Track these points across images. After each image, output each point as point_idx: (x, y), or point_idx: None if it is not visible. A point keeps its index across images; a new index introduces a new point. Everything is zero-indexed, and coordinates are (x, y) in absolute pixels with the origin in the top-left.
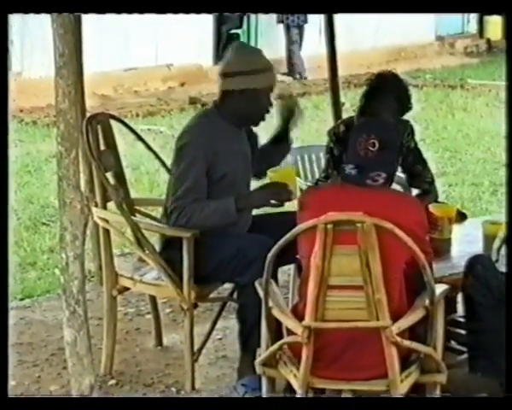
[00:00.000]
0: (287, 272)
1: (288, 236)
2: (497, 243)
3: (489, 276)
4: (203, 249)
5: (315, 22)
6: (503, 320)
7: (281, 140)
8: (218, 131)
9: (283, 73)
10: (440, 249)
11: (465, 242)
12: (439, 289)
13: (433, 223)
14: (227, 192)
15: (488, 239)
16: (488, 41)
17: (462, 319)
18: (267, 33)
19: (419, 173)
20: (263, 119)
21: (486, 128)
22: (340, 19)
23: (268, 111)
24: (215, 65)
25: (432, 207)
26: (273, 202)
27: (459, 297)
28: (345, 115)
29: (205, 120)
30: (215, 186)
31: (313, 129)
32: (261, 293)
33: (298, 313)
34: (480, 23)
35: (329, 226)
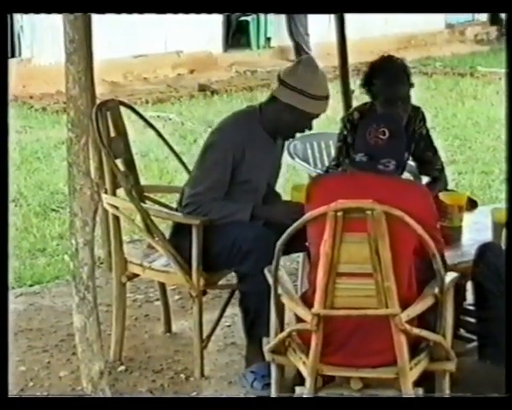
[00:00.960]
0: (295, 259)
1: (297, 223)
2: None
3: (499, 264)
4: (210, 237)
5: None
6: None
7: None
8: (253, 136)
9: (291, 61)
10: (450, 237)
11: (475, 230)
12: (449, 277)
13: (444, 211)
14: (246, 197)
15: (497, 226)
16: (499, 29)
17: (471, 307)
18: (276, 21)
19: (430, 160)
20: (294, 137)
21: (496, 116)
22: None
23: (304, 132)
24: (225, 52)
25: (442, 195)
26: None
27: (469, 285)
28: (355, 103)
29: (243, 121)
30: (236, 188)
31: (323, 116)
32: (270, 280)
33: (307, 301)
34: None
35: (339, 214)
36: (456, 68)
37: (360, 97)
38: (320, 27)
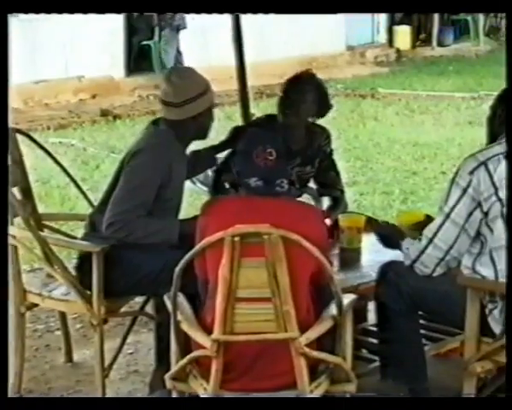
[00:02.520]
0: None
1: (194, 249)
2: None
3: (401, 283)
4: (121, 263)
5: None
6: (415, 328)
7: (214, 154)
8: (174, 154)
9: None
10: (350, 259)
11: (374, 251)
12: (347, 299)
13: (343, 233)
14: (169, 215)
15: (404, 228)
16: (397, 50)
17: (373, 328)
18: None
19: (332, 180)
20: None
21: (397, 137)
22: (250, 28)
23: (206, 134)
24: (127, 76)
25: (341, 217)
26: None
27: (371, 306)
28: None
29: (164, 142)
30: (159, 206)
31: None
32: (170, 307)
33: (207, 327)
34: (390, 33)
35: (237, 239)
36: (357, 90)
37: None
38: (222, 50)
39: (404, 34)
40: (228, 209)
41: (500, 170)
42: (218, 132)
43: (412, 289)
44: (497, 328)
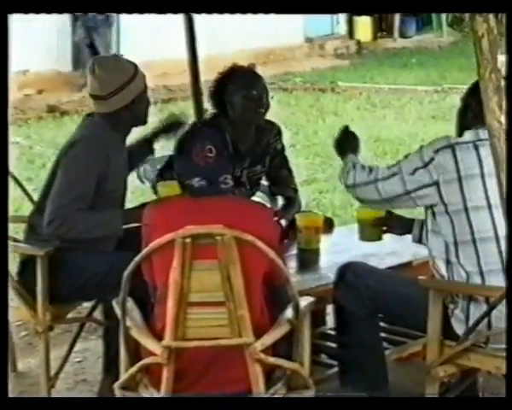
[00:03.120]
0: None
1: (143, 252)
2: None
3: (360, 285)
4: (65, 266)
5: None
6: (376, 331)
7: (148, 145)
8: (112, 145)
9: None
10: (308, 260)
11: (333, 252)
12: (304, 302)
13: (300, 233)
14: (113, 207)
15: (363, 225)
16: (358, 42)
17: (332, 332)
18: (129, 36)
19: (284, 179)
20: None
21: (358, 132)
22: (204, 20)
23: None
24: (75, 70)
25: (298, 217)
26: None
27: (330, 309)
28: None
29: (100, 132)
30: (102, 200)
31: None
32: (118, 312)
33: (157, 333)
34: (350, 24)
35: (188, 240)
36: (316, 84)
37: None
38: (175, 42)
39: (364, 25)
40: (175, 210)
41: (469, 159)
42: None
43: (372, 292)
44: (459, 329)
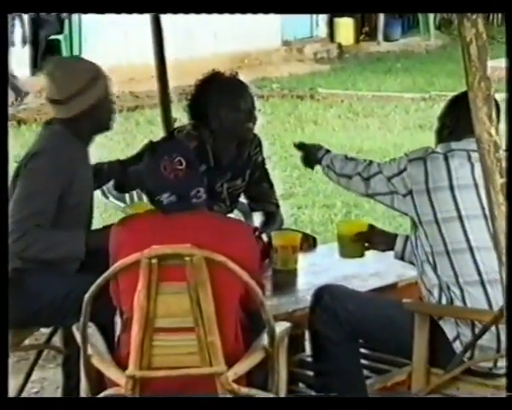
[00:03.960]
0: None
1: (106, 273)
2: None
3: (338, 307)
4: (21, 289)
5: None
6: (355, 358)
7: (121, 167)
8: (74, 155)
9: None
10: (284, 282)
11: (312, 272)
12: (281, 327)
13: (276, 252)
14: (79, 222)
15: (343, 240)
16: (339, 46)
17: (310, 359)
18: (93, 38)
19: (265, 193)
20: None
21: (339, 143)
22: (172, 21)
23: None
24: (33, 76)
25: (274, 235)
26: None
27: (308, 335)
28: None
29: (61, 142)
30: (67, 214)
31: None
32: (79, 339)
33: (122, 361)
34: (330, 26)
35: (154, 261)
36: (294, 90)
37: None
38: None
39: (346, 27)
40: (143, 228)
41: (438, 171)
42: (137, 139)
43: (351, 315)
44: (451, 333)
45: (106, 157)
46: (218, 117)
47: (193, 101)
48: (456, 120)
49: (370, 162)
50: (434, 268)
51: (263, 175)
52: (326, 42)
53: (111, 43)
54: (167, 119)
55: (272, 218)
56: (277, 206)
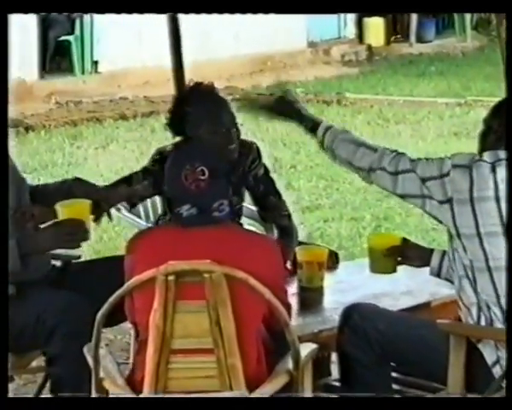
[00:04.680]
0: (128, 331)
1: (120, 291)
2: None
3: (367, 327)
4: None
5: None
6: (386, 382)
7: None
8: None
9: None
10: (309, 301)
11: (339, 290)
12: (306, 349)
13: (301, 269)
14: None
15: (374, 253)
16: (369, 47)
17: (338, 383)
18: (106, 39)
19: (273, 206)
20: None
21: None
22: (191, 22)
23: None
24: (41, 79)
25: (298, 250)
26: (67, 243)
27: (335, 357)
28: None
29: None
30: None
31: None
32: (90, 361)
33: (135, 384)
34: (359, 26)
35: (171, 278)
36: (320, 95)
37: None
38: (158, 47)
39: (376, 28)
40: (160, 241)
41: (484, 180)
42: (152, 147)
43: (382, 336)
44: (490, 357)
45: (120, 166)
46: (199, 138)
47: (172, 120)
48: (505, 125)
49: (397, 153)
50: (474, 285)
51: (268, 188)
52: (354, 43)
53: (124, 45)
54: None
55: (287, 231)
56: (289, 217)
